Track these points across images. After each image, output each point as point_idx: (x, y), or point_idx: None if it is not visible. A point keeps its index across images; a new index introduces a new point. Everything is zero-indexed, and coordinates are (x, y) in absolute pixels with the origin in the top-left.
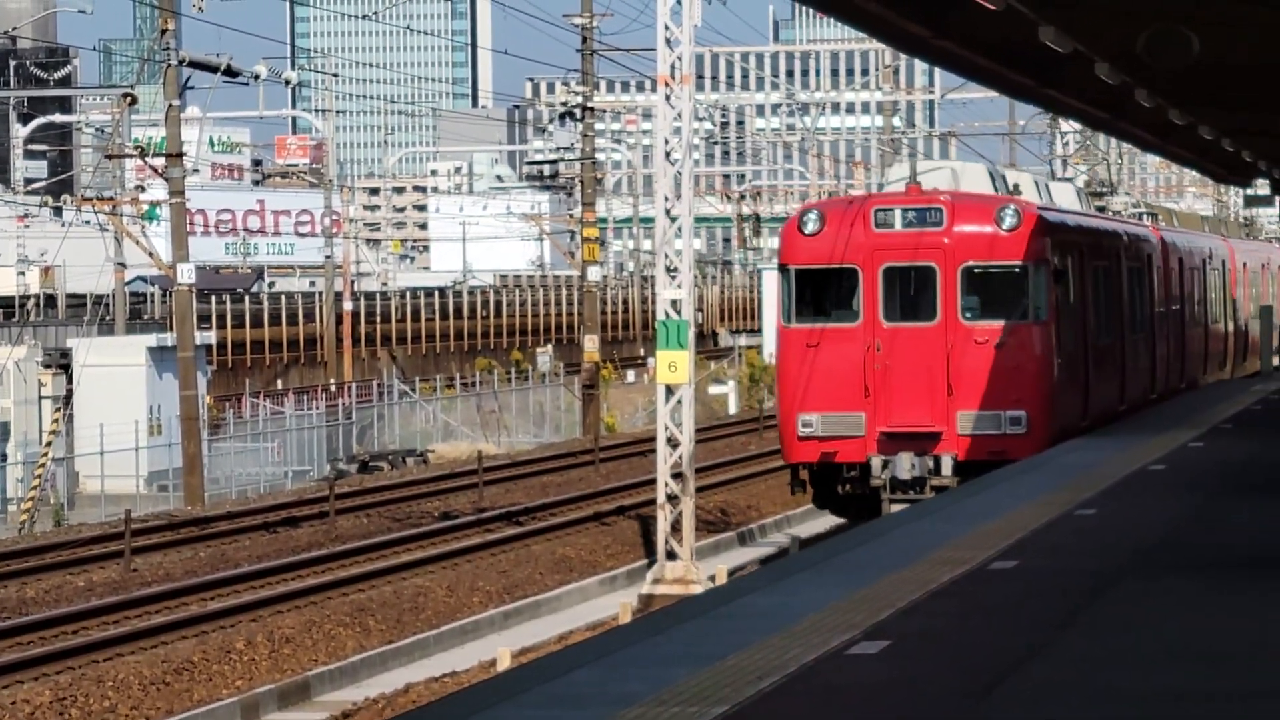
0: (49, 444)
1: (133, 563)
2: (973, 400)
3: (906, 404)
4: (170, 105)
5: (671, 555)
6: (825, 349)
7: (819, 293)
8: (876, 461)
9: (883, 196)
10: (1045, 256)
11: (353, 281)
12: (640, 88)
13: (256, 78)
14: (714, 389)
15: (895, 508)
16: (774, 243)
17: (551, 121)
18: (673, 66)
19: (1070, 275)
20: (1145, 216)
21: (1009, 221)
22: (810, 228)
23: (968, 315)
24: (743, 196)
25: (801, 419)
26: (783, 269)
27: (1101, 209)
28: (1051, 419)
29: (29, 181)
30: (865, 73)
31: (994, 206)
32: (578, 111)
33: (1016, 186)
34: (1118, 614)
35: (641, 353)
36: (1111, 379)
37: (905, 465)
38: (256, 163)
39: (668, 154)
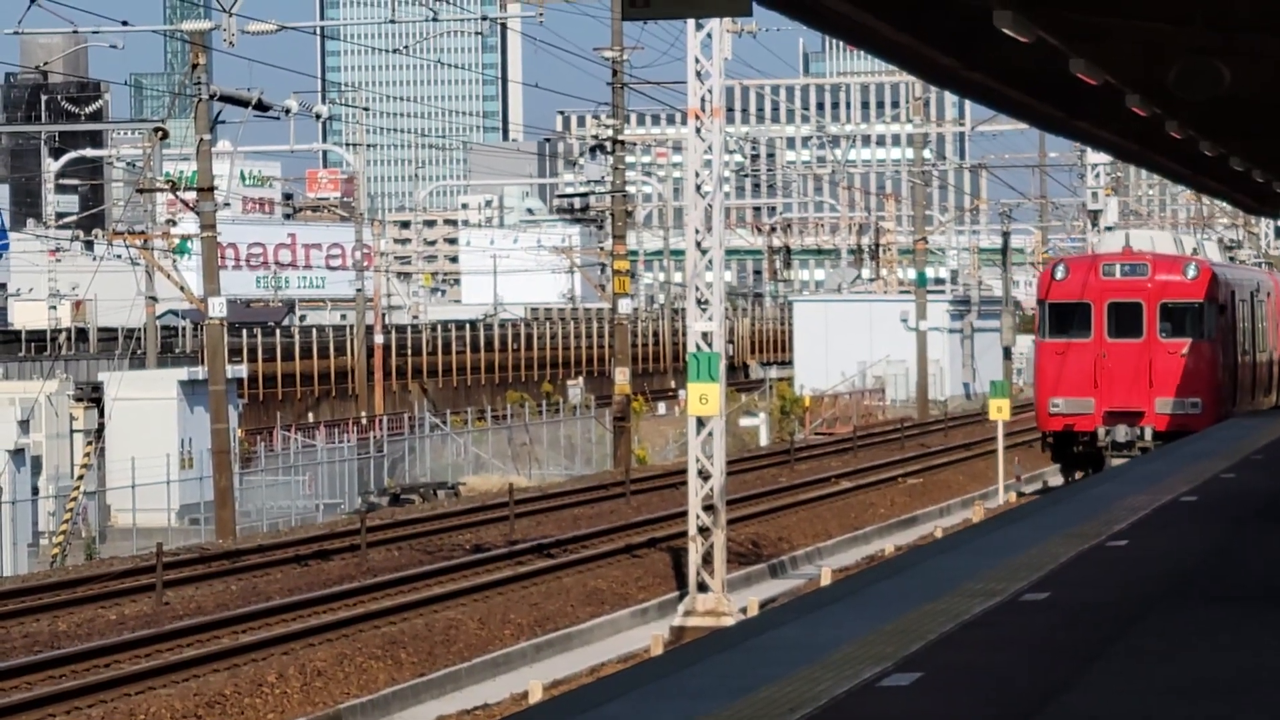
0: (81, 478)
1: (165, 596)
2: (1166, 391)
3: (1122, 393)
4: (201, 139)
5: (703, 587)
6: (1068, 355)
7: (1064, 319)
8: (1101, 430)
9: (1107, 255)
10: (1214, 296)
11: (384, 314)
12: (671, 120)
13: (287, 112)
14: (745, 421)
15: (1115, 461)
16: (804, 274)
17: (582, 154)
18: (703, 99)
19: (1226, 309)
20: (1264, 264)
21: (1191, 273)
22: (1059, 275)
23: (1163, 335)
24: (773, 229)
25: (1051, 402)
26: (1040, 303)
27: (1233, 259)
28: (1217, 405)
29: (60, 216)
30: (895, 105)
31: (1181, 263)
32: (608, 144)
33: (1194, 249)
34: (1151, 645)
35: (672, 385)
36: (1251, 382)
37: (1121, 433)
38: (288, 196)
39: (698, 186)
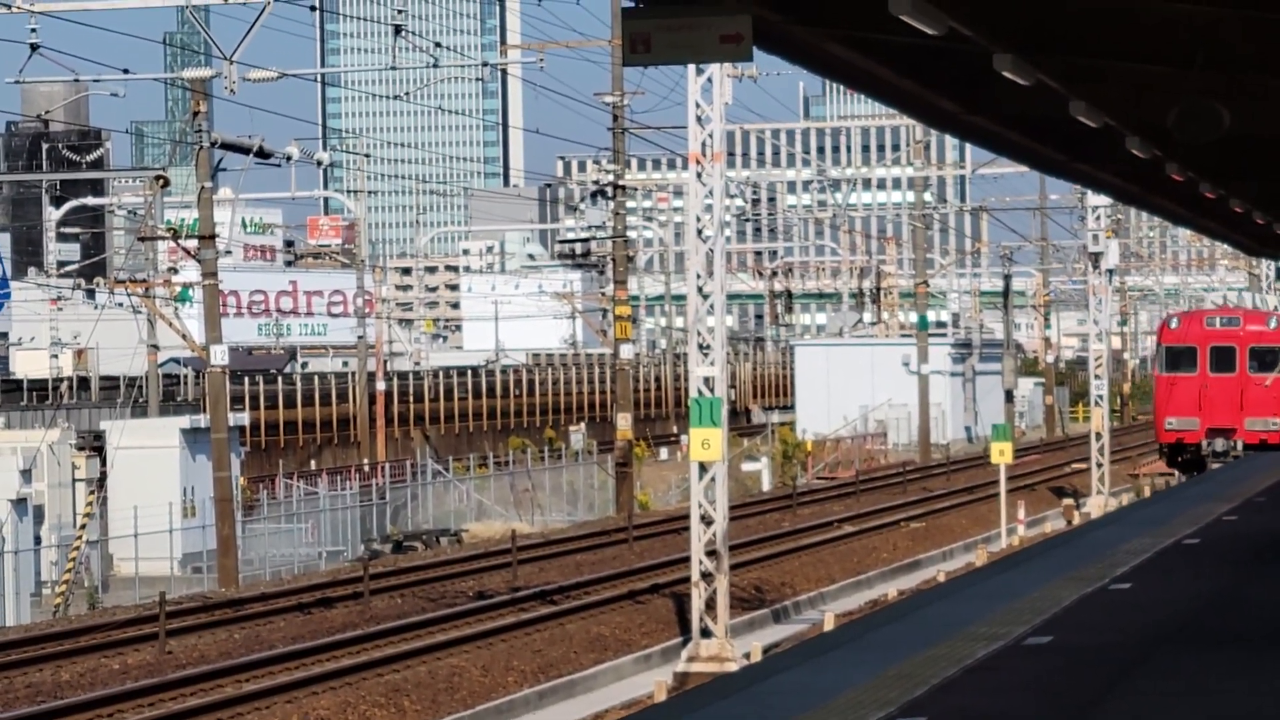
0: (83, 527)
1: (168, 645)
2: (1255, 413)
3: (1220, 414)
4: (203, 187)
5: (706, 633)
6: (1179, 386)
7: (1176, 359)
8: (1204, 442)
9: (1211, 310)
10: None
11: (385, 361)
12: (671, 165)
13: (289, 159)
14: (747, 466)
15: (1214, 465)
16: (805, 319)
17: (583, 200)
18: (704, 144)
19: None
20: None
21: (1273, 324)
22: (1173, 325)
23: (1251, 370)
24: (775, 273)
25: (1167, 420)
26: (1159, 346)
27: None
28: None
29: (62, 264)
30: (896, 148)
31: (1265, 316)
32: (609, 189)
33: (1275, 307)
34: (1153, 688)
35: (674, 430)
36: None
37: (1219, 444)
38: (289, 243)
39: (699, 231)
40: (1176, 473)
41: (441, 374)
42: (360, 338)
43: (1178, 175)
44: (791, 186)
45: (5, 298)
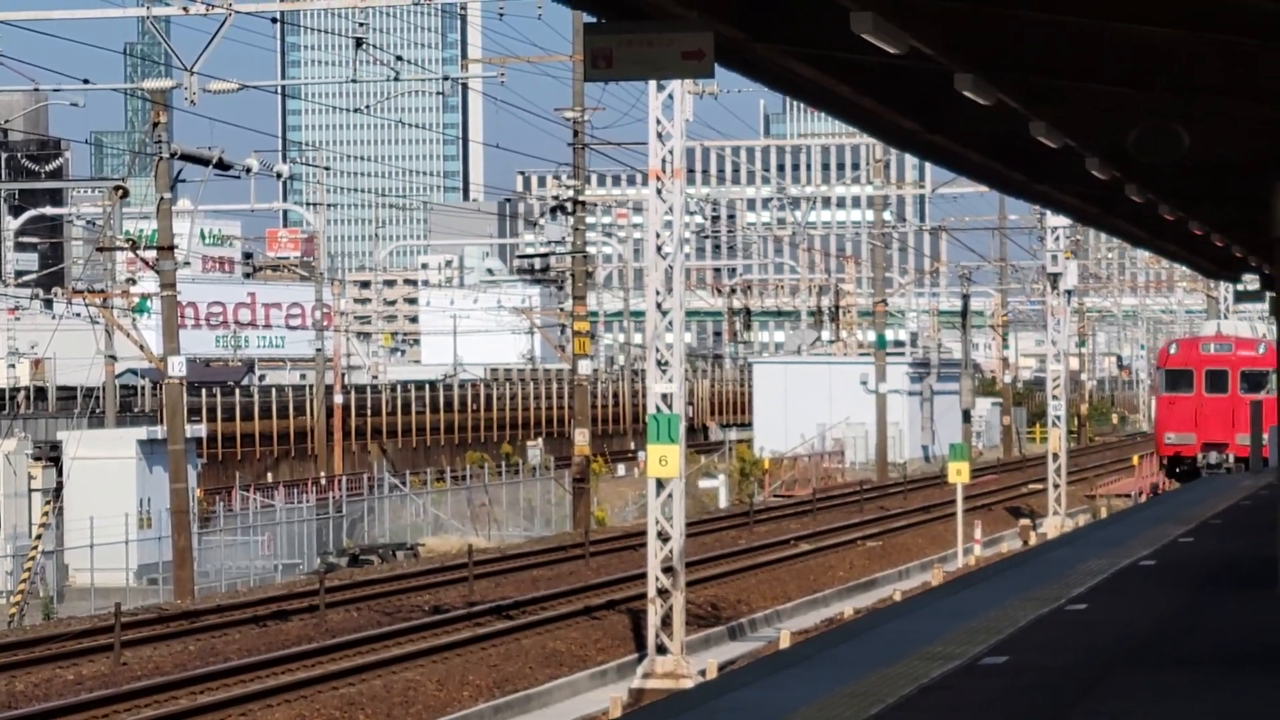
0: (39, 537)
1: (122, 656)
2: (1244, 430)
3: (1214, 430)
4: (162, 198)
5: (662, 649)
6: (1177, 405)
7: (1175, 380)
8: (1200, 456)
9: (1206, 337)
10: (1277, 366)
11: (343, 374)
12: (631, 181)
13: (248, 170)
14: (704, 483)
15: (1206, 474)
16: (764, 336)
17: (542, 215)
18: (664, 160)
19: None
20: None
21: (1261, 350)
22: (1173, 350)
23: (1242, 391)
24: (734, 290)
25: (1166, 436)
26: (1159, 369)
27: None
28: None
29: (20, 274)
30: (856, 167)
31: (1255, 342)
32: (569, 205)
33: (1264, 334)
34: (1109, 709)
35: (632, 446)
36: None
37: (1213, 458)
38: (248, 255)
39: (659, 247)
40: (1132, 494)
41: (399, 388)
42: (318, 350)
43: (1137, 197)
44: (751, 204)
45: None
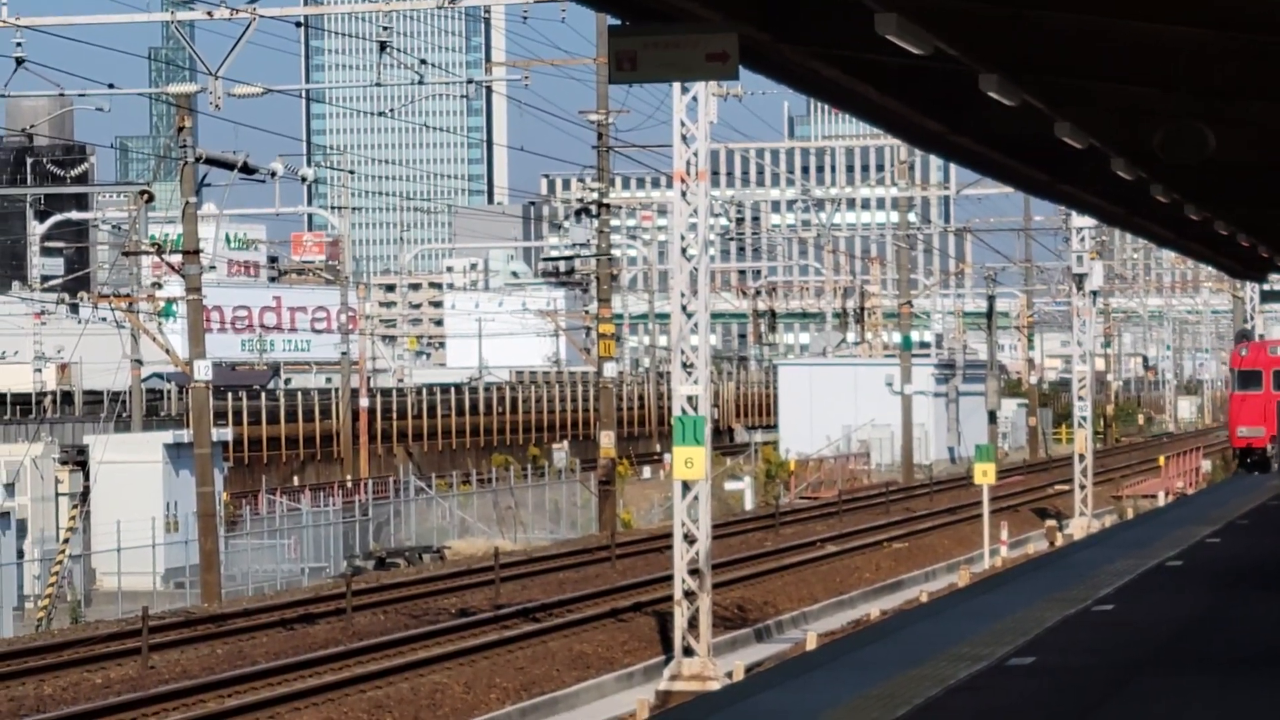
0: (66, 541)
1: (150, 660)
2: None
3: None
4: (187, 202)
5: (689, 651)
6: (1248, 402)
7: (1247, 380)
8: (1270, 447)
9: (1273, 341)
10: None
11: (369, 378)
12: (656, 184)
13: (273, 174)
14: (730, 485)
15: (1276, 465)
16: (789, 338)
17: (567, 218)
18: (688, 163)
19: None
20: None
21: None
22: (1244, 353)
23: None
24: (758, 292)
25: (1239, 429)
26: (1232, 370)
27: None
28: None
29: (46, 279)
30: (880, 169)
31: None
32: (593, 208)
33: None
34: (1135, 710)
35: (658, 449)
36: None
37: None
38: (273, 259)
39: (684, 250)
40: (1159, 496)
41: (425, 391)
42: (344, 354)
43: (1163, 197)
44: (776, 206)
45: None
